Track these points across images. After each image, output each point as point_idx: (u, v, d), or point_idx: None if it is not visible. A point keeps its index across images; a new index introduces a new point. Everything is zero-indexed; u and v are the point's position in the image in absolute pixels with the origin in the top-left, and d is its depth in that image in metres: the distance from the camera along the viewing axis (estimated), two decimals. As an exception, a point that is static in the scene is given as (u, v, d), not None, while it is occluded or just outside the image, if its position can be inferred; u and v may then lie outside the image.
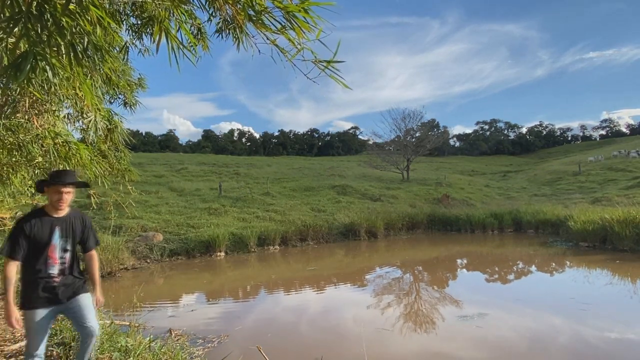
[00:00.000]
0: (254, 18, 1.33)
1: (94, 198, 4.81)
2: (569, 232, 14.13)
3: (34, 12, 1.17)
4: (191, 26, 2.30)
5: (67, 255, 3.07)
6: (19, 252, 2.86)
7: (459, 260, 12.63)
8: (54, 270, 2.99)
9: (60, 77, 1.94)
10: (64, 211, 3.07)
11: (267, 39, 1.50)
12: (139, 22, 2.75)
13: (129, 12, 2.72)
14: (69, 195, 3.02)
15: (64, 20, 1.25)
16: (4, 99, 2.81)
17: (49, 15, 1.18)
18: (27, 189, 4.42)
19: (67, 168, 3.45)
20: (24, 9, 1.13)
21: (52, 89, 2.59)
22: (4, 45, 1.38)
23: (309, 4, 1.30)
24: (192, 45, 2.06)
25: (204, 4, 1.87)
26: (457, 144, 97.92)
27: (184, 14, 1.70)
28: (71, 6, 1.28)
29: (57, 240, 3.01)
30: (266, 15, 1.33)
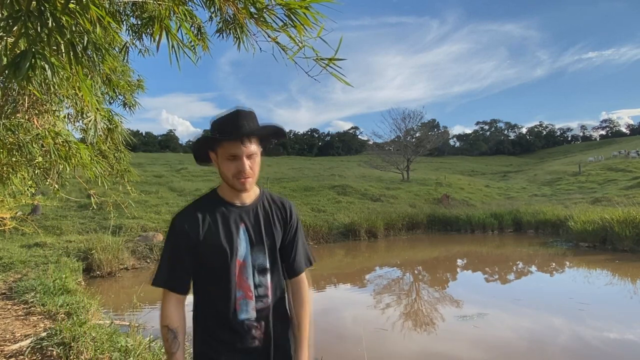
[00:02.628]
0: (256, 15, 1.33)
1: (94, 198, 4.80)
2: (568, 232, 14.12)
3: (34, 10, 1.16)
4: (191, 25, 2.29)
5: (268, 282, 1.61)
6: (180, 278, 1.53)
7: (458, 261, 12.62)
8: (249, 315, 1.56)
9: (60, 76, 1.93)
10: (251, 194, 1.64)
11: (269, 36, 1.50)
12: (139, 22, 2.75)
13: (129, 12, 2.72)
14: (254, 161, 1.54)
15: (63, 18, 1.25)
16: (3, 99, 2.81)
17: (48, 14, 1.18)
18: (27, 189, 4.41)
19: (68, 168, 3.28)
20: (23, 7, 1.12)
21: (52, 88, 2.59)
22: (3, 44, 1.37)
23: (310, 0, 1.30)
24: (192, 45, 2.07)
25: (204, 2, 1.87)
26: (457, 144, 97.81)
27: (184, 14, 1.70)
28: (71, 5, 1.27)
29: (244, 249, 1.57)
30: (267, 12, 1.33)
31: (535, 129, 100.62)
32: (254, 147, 1.52)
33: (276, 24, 1.42)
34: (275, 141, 1.70)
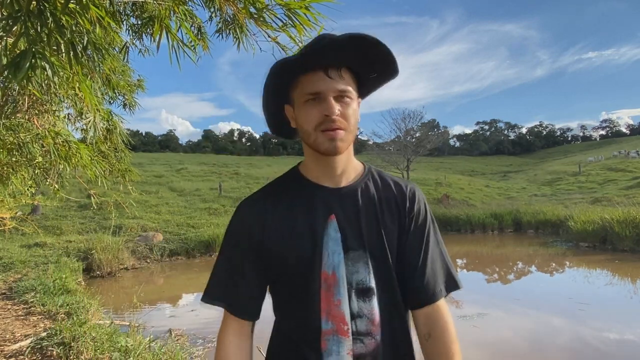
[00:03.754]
0: (255, 15, 1.33)
1: (94, 198, 4.80)
2: (568, 232, 14.11)
3: (34, 10, 1.16)
4: (192, 25, 2.29)
5: (375, 310, 1.02)
6: (241, 295, 1.07)
7: (458, 261, 12.62)
8: None
9: (60, 76, 1.94)
10: (349, 170, 1.09)
11: (269, 36, 1.50)
12: (139, 22, 2.75)
13: (129, 12, 2.71)
14: (347, 105, 0.99)
15: (63, 18, 1.25)
16: (4, 99, 2.81)
17: (48, 14, 1.18)
18: (27, 189, 4.41)
19: (68, 168, 3.29)
20: (23, 7, 1.12)
21: (52, 88, 2.59)
22: (3, 44, 1.38)
23: (310, 0, 1.30)
24: (192, 44, 2.07)
25: (204, 2, 1.87)
26: (457, 144, 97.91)
27: (184, 13, 1.70)
28: (71, 5, 1.27)
29: (335, 256, 1.01)
30: (267, 12, 1.33)
31: (535, 129, 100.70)
32: (345, 84, 0.97)
33: (276, 24, 1.42)
34: (383, 79, 1.05)
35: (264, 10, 1.32)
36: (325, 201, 1.03)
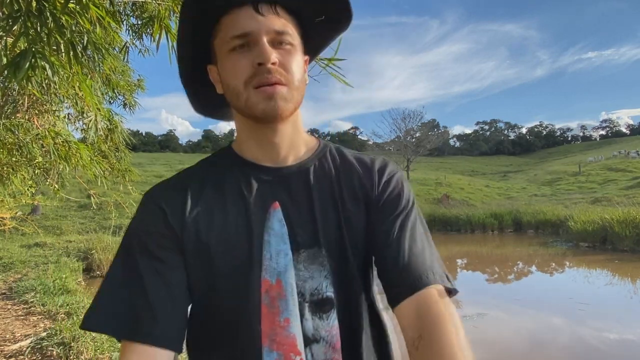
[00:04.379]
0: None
1: (94, 198, 4.80)
2: (569, 232, 14.12)
3: (34, 10, 1.16)
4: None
5: (334, 329, 0.74)
6: (152, 315, 0.68)
7: (458, 261, 12.63)
8: None
9: (60, 76, 1.94)
10: (296, 143, 0.82)
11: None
12: (139, 22, 2.75)
13: (129, 12, 2.72)
14: (288, 53, 0.73)
15: (63, 18, 1.25)
16: (3, 99, 2.81)
17: (48, 14, 1.18)
18: (27, 189, 4.41)
19: (68, 168, 3.29)
20: (23, 7, 1.12)
21: (52, 88, 2.59)
22: (3, 43, 1.38)
23: None
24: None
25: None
26: (457, 144, 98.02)
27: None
28: (71, 4, 1.27)
29: (280, 257, 0.73)
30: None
31: (535, 129, 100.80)
32: (283, 24, 0.73)
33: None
34: (333, 24, 0.81)
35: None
36: (265, 185, 0.77)
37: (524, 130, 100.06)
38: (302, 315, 0.72)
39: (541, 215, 16.89)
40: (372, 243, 0.78)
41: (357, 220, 0.78)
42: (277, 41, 0.72)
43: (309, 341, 0.72)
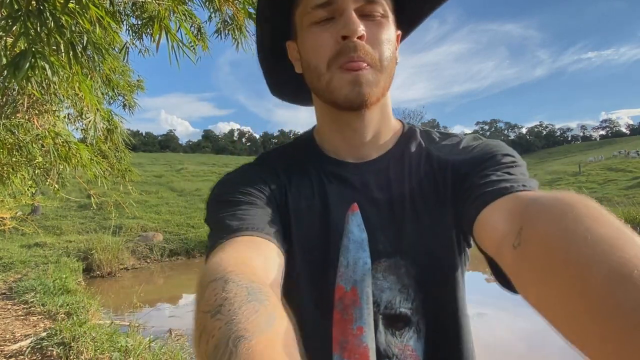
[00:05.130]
0: (254, 15, 1.33)
1: (94, 198, 4.80)
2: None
3: (34, 10, 1.16)
4: (191, 25, 2.30)
5: (409, 349, 0.68)
6: (264, 223, 0.61)
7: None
8: None
9: (60, 76, 1.94)
10: (381, 132, 0.72)
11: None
12: (139, 22, 2.75)
13: (129, 12, 2.72)
14: (378, 27, 0.63)
15: (63, 18, 1.25)
16: (3, 99, 2.81)
17: (48, 14, 1.18)
18: (28, 189, 4.42)
19: (68, 168, 3.29)
20: (23, 7, 1.12)
21: (52, 88, 2.59)
22: (2, 43, 1.38)
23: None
24: (192, 45, 2.07)
25: (204, 2, 1.87)
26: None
27: (184, 14, 1.70)
28: (70, 5, 1.27)
29: (357, 264, 0.66)
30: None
31: (536, 129, 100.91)
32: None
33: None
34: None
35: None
36: (344, 184, 0.69)
37: (524, 130, 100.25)
38: (375, 327, 0.66)
39: (541, 215, 16.87)
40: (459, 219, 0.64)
41: (444, 223, 0.67)
42: (367, 11, 0.62)
43: (380, 356, 0.65)
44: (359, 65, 0.60)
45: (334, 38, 0.61)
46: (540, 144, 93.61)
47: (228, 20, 2.49)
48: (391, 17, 0.66)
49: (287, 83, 0.78)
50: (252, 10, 1.27)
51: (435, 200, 0.67)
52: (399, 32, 0.70)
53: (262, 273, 0.50)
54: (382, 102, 0.68)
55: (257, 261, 0.52)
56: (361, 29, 0.60)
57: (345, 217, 0.67)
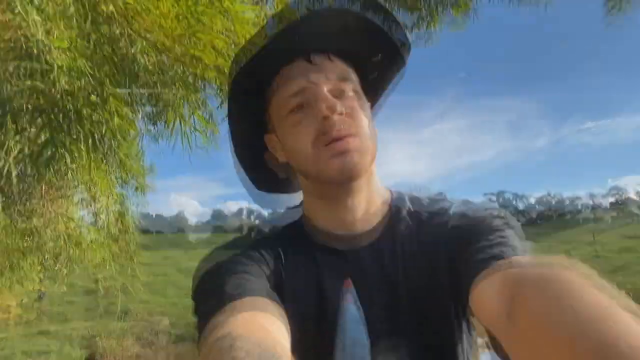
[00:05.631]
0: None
1: (102, 282, 4.75)
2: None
3: (58, 104, 1.24)
4: (203, 111, 2.42)
5: None
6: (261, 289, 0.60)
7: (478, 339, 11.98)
8: None
9: (77, 163, 2.02)
10: (371, 207, 0.70)
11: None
12: (154, 111, 2.90)
13: (145, 102, 2.88)
14: (351, 101, 0.65)
15: (84, 110, 1.33)
16: (21, 186, 2.90)
17: (70, 106, 1.26)
18: (36, 275, 4.38)
19: (77, 252, 3.28)
20: (49, 101, 1.20)
21: (69, 175, 2.68)
22: (26, 135, 1.45)
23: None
24: (204, 129, 2.17)
25: (216, 92, 1.99)
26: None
27: (197, 102, 1.81)
28: (92, 98, 1.36)
29: (356, 350, 0.63)
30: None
31: (544, 199, 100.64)
32: (341, 70, 0.67)
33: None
34: (391, 62, 0.72)
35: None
36: (337, 259, 0.67)
37: (532, 201, 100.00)
38: None
39: (560, 287, 16.26)
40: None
41: (441, 297, 0.64)
42: (339, 90, 0.65)
43: None
44: (344, 139, 0.61)
45: (314, 120, 0.63)
46: (550, 213, 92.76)
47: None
48: (361, 92, 0.68)
49: (269, 177, 0.78)
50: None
51: (430, 275, 0.64)
52: (369, 103, 0.72)
53: (271, 335, 0.49)
54: (368, 173, 0.68)
55: (265, 323, 0.51)
56: (339, 106, 0.62)
57: (340, 293, 0.64)
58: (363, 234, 0.68)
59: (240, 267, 0.62)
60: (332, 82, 0.64)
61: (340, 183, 0.64)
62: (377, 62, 0.71)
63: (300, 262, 0.68)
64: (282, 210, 0.80)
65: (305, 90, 0.64)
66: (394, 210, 0.71)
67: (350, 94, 0.65)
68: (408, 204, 0.72)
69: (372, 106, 0.74)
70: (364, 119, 0.64)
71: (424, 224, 0.68)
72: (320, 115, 0.62)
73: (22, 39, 0.99)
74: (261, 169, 0.77)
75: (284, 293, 0.64)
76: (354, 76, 0.68)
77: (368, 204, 0.69)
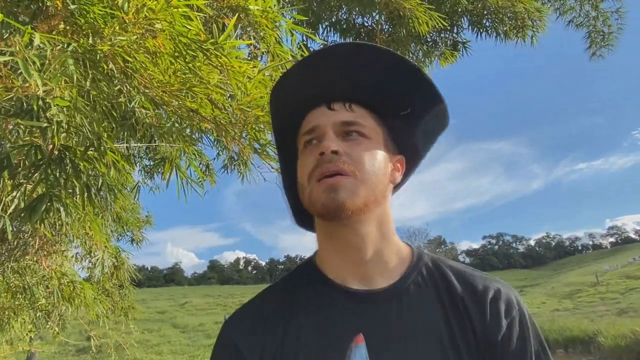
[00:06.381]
0: (259, 150, 1.43)
1: (94, 340, 4.58)
2: (601, 349, 13.06)
3: (55, 158, 1.25)
4: (200, 163, 2.45)
5: None
6: None
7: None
8: None
9: (73, 217, 2.01)
10: (390, 261, 0.70)
11: (272, 167, 1.59)
12: (152, 163, 2.93)
13: (142, 155, 2.91)
14: (357, 144, 0.68)
15: (81, 164, 1.34)
16: (14, 242, 2.86)
17: (68, 160, 1.27)
18: (27, 334, 4.23)
19: (70, 309, 3.19)
20: (46, 156, 1.21)
21: (64, 229, 2.65)
22: (22, 190, 1.45)
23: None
24: (200, 180, 2.18)
25: (213, 142, 2.03)
26: (467, 259, 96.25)
27: (194, 153, 1.83)
28: (89, 152, 1.37)
29: None
30: (270, 147, 1.44)
31: (544, 240, 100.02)
32: (354, 116, 0.70)
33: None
34: (419, 111, 0.73)
35: (267, 146, 1.43)
36: (347, 312, 0.65)
37: (532, 242, 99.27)
38: None
39: (568, 331, 15.80)
40: None
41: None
42: (345, 132, 0.68)
43: None
44: (335, 176, 0.64)
45: (314, 156, 0.66)
46: (551, 255, 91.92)
47: (234, 156, 2.66)
48: (377, 138, 0.70)
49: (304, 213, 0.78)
50: (257, 146, 1.38)
51: (459, 339, 0.63)
52: (399, 155, 0.75)
53: None
54: (379, 219, 0.69)
55: None
56: (334, 144, 0.65)
57: (347, 349, 0.62)
58: (381, 290, 0.67)
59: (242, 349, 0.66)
60: (339, 123, 0.68)
61: (329, 219, 0.66)
62: (409, 117, 0.73)
63: (307, 313, 0.67)
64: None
65: (315, 128, 0.69)
66: (415, 269, 0.70)
67: (356, 136, 0.68)
68: (431, 264, 0.72)
69: (411, 160, 0.77)
70: (364, 163, 0.66)
71: (453, 284, 0.68)
72: (318, 151, 0.66)
73: (23, 97, 1.02)
74: (300, 209, 0.76)
75: (290, 350, 0.64)
76: (372, 123, 0.71)
77: (380, 253, 0.68)
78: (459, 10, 3.55)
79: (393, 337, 0.63)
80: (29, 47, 1.02)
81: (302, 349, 0.64)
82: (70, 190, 1.44)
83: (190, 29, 1.09)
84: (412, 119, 0.73)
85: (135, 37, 1.10)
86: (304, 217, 0.78)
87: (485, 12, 3.57)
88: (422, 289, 0.67)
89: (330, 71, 0.69)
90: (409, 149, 0.77)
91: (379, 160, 0.68)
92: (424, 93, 0.71)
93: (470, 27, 3.70)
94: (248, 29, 1.64)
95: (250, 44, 1.57)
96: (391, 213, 0.72)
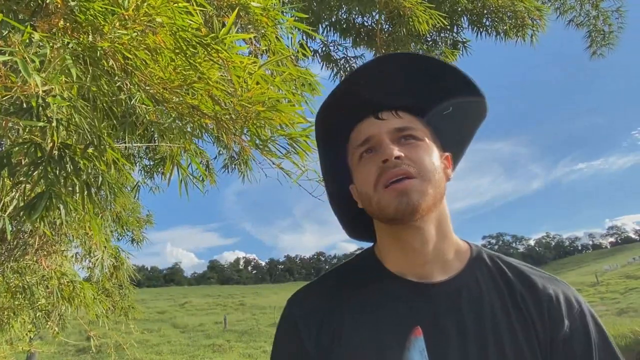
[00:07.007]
0: (261, 146, 1.43)
1: (94, 340, 4.57)
2: (601, 349, 13.06)
3: (54, 156, 1.25)
4: (200, 161, 2.44)
5: None
6: None
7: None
8: None
9: (72, 216, 2.00)
10: (448, 255, 0.73)
11: (273, 163, 1.59)
12: (152, 163, 2.93)
13: (142, 155, 2.91)
14: (414, 146, 0.71)
15: (81, 162, 1.33)
16: (14, 242, 2.86)
17: (68, 159, 1.26)
18: (27, 334, 4.22)
19: (70, 309, 3.19)
20: (45, 154, 1.21)
21: (64, 228, 2.65)
22: (21, 188, 1.45)
23: (310, 131, 1.41)
24: (201, 177, 2.18)
25: (213, 140, 2.02)
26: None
27: (195, 151, 1.83)
28: (89, 150, 1.37)
29: None
30: (271, 143, 1.44)
31: (543, 240, 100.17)
32: (405, 122, 0.72)
33: (280, 152, 1.52)
34: (461, 106, 0.76)
35: (269, 142, 1.42)
36: (406, 305, 0.67)
37: (531, 242, 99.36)
38: None
39: (567, 331, 15.82)
40: None
41: (522, 356, 0.62)
42: (400, 137, 0.71)
43: None
44: (402, 180, 0.66)
45: (376, 165, 0.69)
46: (551, 255, 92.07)
47: (235, 155, 2.66)
48: (430, 140, 0.74)
49: (357, 224, 0.83)
50: (258, 142, 1.38)
51: (518, 333, 0.64)
52: (447, 153, 0.78)
53: None
54: (437, 218, 0.71)
55: None
56: (397, 150, 0.68)
57: (406, 341, 0.64)
58: (440, 283, 0.70)
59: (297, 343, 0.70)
60: (393, 130, 0.72)
61: (402, 222, 0.68)
62: (450, 115, 0.77)
63: (366, 303, 0.70)
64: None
65: (370, 138, 0.72)
66: (474, 264, 0.72)
67: (413, 141, 0.71)
68: (489, 260, 0.74)
69: (456, 156, 0.82)
70: (426, 163, 0.69)
71: (512, 281, 0.70)
72: (381, 159, 0.68)
73: (22, 97, 1.01)
74: (351, 218, 0.83)
75: (349, 338, 0.67)
76: (422, 126, 0.75)
77: (440, 250, 0.71)
78: (459, 9, 3.54)
79: (453, 331, 0.64)
80: (28, 46, 1.01)
81: (361, 334, 0.66)
82: (70, 189, 1.44)
83: (191, 23, 1.08)
84: (454, 116, 0.77)
85: (136, 33, 1.09)
86: (356, 227, 0.84)
87: (485, 11, 3.57)
88: (481, 284, 0.69)
89: (374, 84, 0.73)
90: (454, 146, 0.81)
91: (436, 159, 0.72)
92: (464, 91, 0.74)
93: (470, 26, 3.69)
94: (248, 27, 1.63)
95: (251, 37, 1.57)
96: (447, 211, 0.74)
